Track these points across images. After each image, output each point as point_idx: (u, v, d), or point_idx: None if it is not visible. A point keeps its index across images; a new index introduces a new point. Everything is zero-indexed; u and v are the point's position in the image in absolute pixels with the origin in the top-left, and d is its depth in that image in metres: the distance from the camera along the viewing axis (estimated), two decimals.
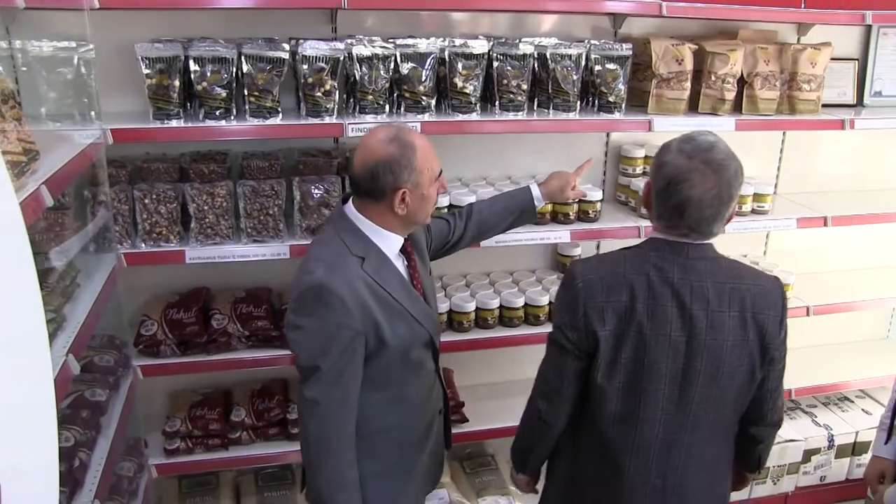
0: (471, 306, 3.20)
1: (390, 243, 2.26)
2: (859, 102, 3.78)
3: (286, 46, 2.73)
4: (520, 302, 3.25)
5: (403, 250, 2.33)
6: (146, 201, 2.74)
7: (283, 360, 3.00)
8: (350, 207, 2.26)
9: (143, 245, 2.76)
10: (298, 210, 2.87)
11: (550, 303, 3.29)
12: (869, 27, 3.72)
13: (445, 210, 3.02)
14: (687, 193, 1.98)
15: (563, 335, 2.12)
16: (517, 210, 2.78)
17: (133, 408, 2.83)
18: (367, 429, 2.25)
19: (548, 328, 3.23)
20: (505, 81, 2.94)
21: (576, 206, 3.18)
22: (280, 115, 2.75)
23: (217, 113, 2.69)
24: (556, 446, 2.33)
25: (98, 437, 2.49)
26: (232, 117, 2.72)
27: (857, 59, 3.77)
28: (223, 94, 2.68)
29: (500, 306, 3.26)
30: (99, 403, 2.57)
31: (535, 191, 2.78)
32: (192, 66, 2.65)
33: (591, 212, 3.20)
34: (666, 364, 2.06)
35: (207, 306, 3.06)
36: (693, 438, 2.14)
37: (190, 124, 2.68)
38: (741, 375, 2.10)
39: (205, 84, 2.66)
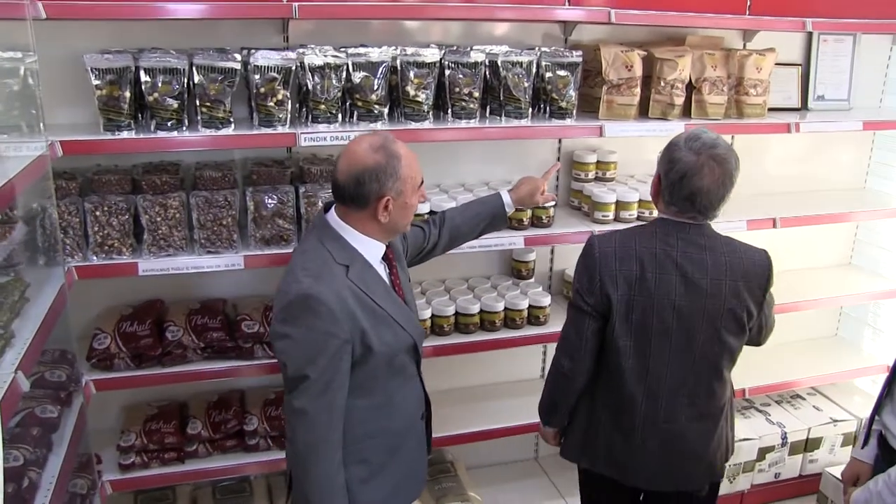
0: (426, 313, 3.22)
1: (373, 251, 2.29)
2: (804, 106, 3.90)
3: (238, 56, 2.73)
4: (475, 308, 3.29)
5: (385, 257, 2.35)
6: (97, 213, 2.72)
7: (240, 371, 2.99)
8: (332, 215, 2.28)
9: (95, 258, 2.74)
10: (252, 220, 2.87)
11: (506, 309, 3.34)
12: (810, 34, 3.83)
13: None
14: (698, 184, 2.33)
15: (582, 299, 2.46)
16: (488, 216, 2.82)
17: (86, 423, 2.80)
18: (354, 435, 2.27)
19: (503, 334, 3.32)
20: (457, 89, 2.97)
21: (529, 212, 3.23)
22: (232, 125, 2.75)
23: (169, 124, 2.68)
24: (577, 400, 2.64)
25: (49, 454, 2.45)
26: (184, 128, 2.71)
27: (800, 65, 3.88)
28: (175, 104, 2.68)
29: (456, 313, 3.29)
30: (50, 420, 2.54)
31: (506, 197, 2.83)
32: (143, 77, 2.64)
33: (544, 217, 3.25)
34: (671, 325, 2.41)
35: (162, 318, 3.03)
36: (696, 388, 2.49)
37: (142, 136, 2.67)
38: (734, 332, 2.46)
39: (156, 95, 2.65)
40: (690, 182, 2.34)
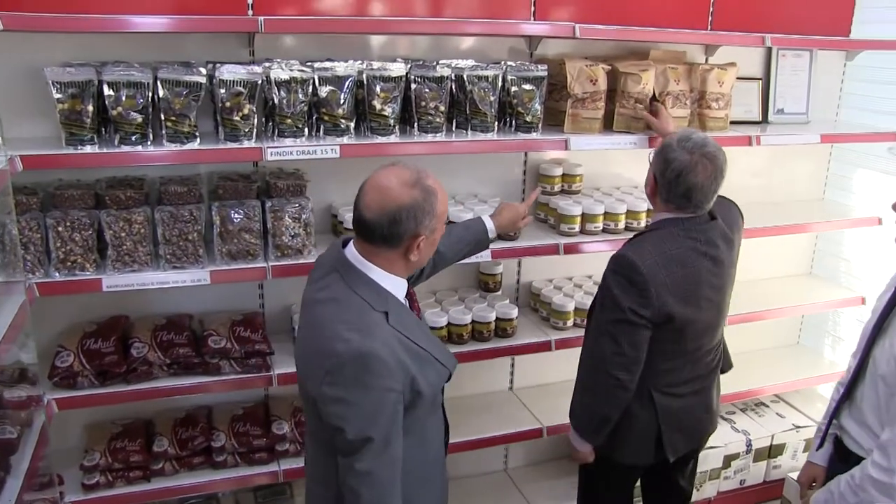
0: None
1: (399, 289, 2.17)
2: (764, 119, 3.98)
3: (203, 70, 2.72)
4: (443, 321, 3.30)
5: (407, 293, 2.25)
6: (59, 229, 2.69)
7: (207, 387, 2.97)
8: (353, 254, 2.13)
9: (58, 274, 2.71)
10: (218, 235, 2.86)
11: (473, 321, 3.36)
12: (770, 49, 3.92)
13: None
14: (693, 181, 2.55)
15: (635, 314, 2.56)
16: (472, 242, 2.81)
17: (48, 444, 2.75)
18: None
19: (471, 346, 3.33)
20: (423, 103, 2.99)
21: None
22: (198, 139, 2.74)
23: (133, 138, 2.66)
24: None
25: (7, 477, 2.39)
26: (148, 142, 2.69)
27: (760, 79, 3.96)
28: (139, 118, 2.65)
29: None
30: (9, 441, 2.48)
31: (489, 223, 2.83)
32: (107, 91, 2.62)
33: (511, 230, 3.27)
34: (713, 301, 2.70)
35: (127, 335, 3.00)
36: (717, 346, 2.88)
37: (105, 150, 2.64)
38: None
39: (120, 109, 2.63)
40: (686, 179, 2.56)
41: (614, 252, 2.69)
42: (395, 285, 2.15)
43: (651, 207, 2.86)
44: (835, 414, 2.71)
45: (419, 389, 2.09)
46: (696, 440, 2.96)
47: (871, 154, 4.11)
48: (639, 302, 2.55)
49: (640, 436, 2.80)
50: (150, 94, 2.67)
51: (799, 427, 4.22)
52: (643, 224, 3.50)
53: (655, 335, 2.62)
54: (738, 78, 3.64)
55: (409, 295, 2.27)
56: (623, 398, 2.66)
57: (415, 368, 2.07)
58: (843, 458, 2.64)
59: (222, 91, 2.73)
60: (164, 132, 2.70)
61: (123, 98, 2.63)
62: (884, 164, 4.04)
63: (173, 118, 2.69)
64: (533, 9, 3.24)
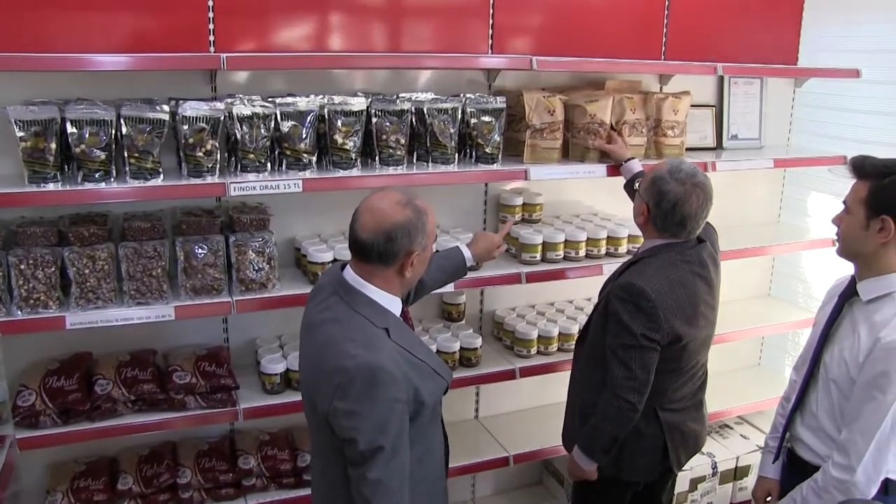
0: None
1: (396, 307, 2.32)
2: (719, 145, 4.13)
3: (166, 107, 2.77)
4: None
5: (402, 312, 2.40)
6: (22, 267, 2.71)
7: (172, 423, 2.99)
8: (353, 277, 2.27)
9: (20, 312, 2.72)
10: (182, 270, 2.90)
11: (438, 352, 3.41)
12: (722, 77, 4.08)
13: None
14: (688, 210, 2.73)
15: (647, 339, 2.69)
16: (451, 270, 2.92)
17: (8, 485, 2.74)
18: None
19: None
20: (384, 136, 3.06)
21: None
22: (161, 175, 2.78)
23: (96, 175, 2.69)
24: None
25: None
26: (112, 179, 2.72)
27: (714, 106, 4.11)
28: (102, 156, 2.69)
29: None
30: None
31: (467, 252, 2.94)
32: (70, 129, 2.65)
33: (487, 259, 3.34)
34: (706, 324, 2.88)
35: (90, 372, 3.01)
36: (706, 375, 3.07)
37: (68, 187, 2.67)
38: None
39: (83, 147, 2.66)
40: (682, 209, 2.73)
41: (622, 280, 2.78)
42: (392, 304, 2.30)
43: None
44: (787, 426, 2.81)
45: (422, 400, 2.23)
46: (695, 451, 3.10)
47: (823, 177, 4.26)
48: (648, 326, 2.68)
49: (646, 452, 2.93)
50: (113, 132, 2.70)
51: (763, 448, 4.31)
52: (603, 251, 3.60)
53: (661, 355, 2.75)
54: (692, 106, 3.77)
55: (404, 314, 2.43)
56: (633, 419, 2.77)
57: (417, 380, 2.22)
58: (797, 470, 2.74)
59: (185, 127, 2.78)
60: (127, 169, 2.74)
61: (86, 135, 2.67)
62: (835, 187, 4.18)
63: (136, 155, 2.73)
64: (490, 42, 3.35)
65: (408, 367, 2.20)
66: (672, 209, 2.74)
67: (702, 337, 2.89)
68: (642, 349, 2.71)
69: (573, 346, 3.62)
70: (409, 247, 2.22)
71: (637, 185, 3.00)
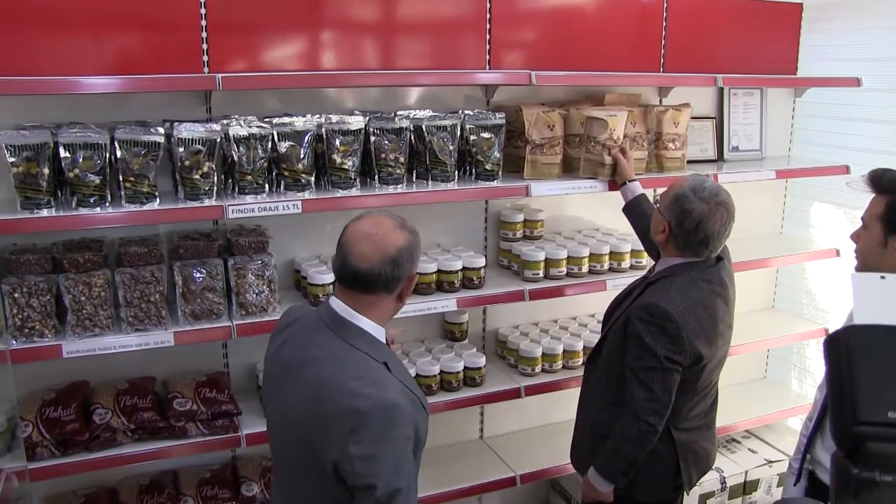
0: None
1: (383, 336, 2.21)
2: (720, 157, 4.13)
3: (161, 130, 2.76)
4: (412, 374, 3.32)
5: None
6: (16, 295, 2.69)
7: (173, 451, 2.96)
8: (344, 308, 2.15)
9: (15, 342, 2.69)
10: (181, 295, 2.88)
11: (441, 372, 3.40)
12: (721, 89, 4.08)
13: None
14: (712, 229, 2.72)
15: (670, 360, 2.68)
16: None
17: None
18: None
19: (440, 397, 3.37)
20: (383, 155, 3.06)
21: (460, 275, 3.31)
22: (157, 199, 2.76)
23: (91, 200, 2.67)
24: None
25: None
26: (107, 204, 2.70)
27: (714, 118, 4.12)
28: (97, 180, 2.67)
29: None
30: None
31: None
32: (63, 153, 2.63)
33: (475, 279, 3.34)
34: (723, 343, 2.87)
35: (88, 401, 2.98)
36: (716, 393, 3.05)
37: (62, 213, 2.65)
38: None
39: (77, 171, 2.65)
40: (705, 228, 2.72)
41: (644, 301, 2.75)
42: (381, 334, 2.20)
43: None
44: (808, 448, 2.78)
45: (420, 435, 2.14)
46: (706, 470, 3.09)
47: (825, 187, 4.27)
48: (671, 349, 2.67)
49: (659, 472, 2.92)
50: (108, 155, 2.69)
51: (771, 462, 4.29)
52: (606, 266, 3.59)
53: (681, 376, 2.75)
54: (692, 118, 3.77)
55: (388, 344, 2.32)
56: (653, 441, 2.76)
57: (416, 415, 2.12)
58: (819, 494, 2.70)
59: (181, 150, 2.76)
60: (122, 193, 2.73)
61: (80, 160, 2.65)
62: (839, 197, 4.19)
63: (132, 178, 2.72)
64: (488, 57, 3.35)
65: (408, 402, 2.10)
66: (695, 228, 2.72)
67: (719, 356, 2.89)
68: (665, 371, 2.69)
69: (578, 364, 3.65)
70: (410, 270, 2.15)
71: (634, 203, 3.02)
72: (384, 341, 2.21)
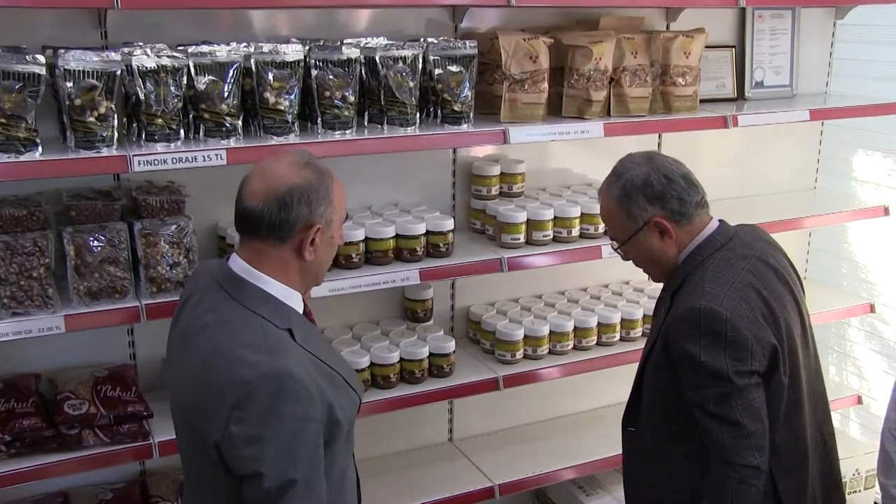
0: None
1: (297, 303, 2.28)
2: (740, 95, 4.14)
3: (41, 58, 2.66)
4: (364, 362, 3.33)
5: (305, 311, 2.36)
6: None
7: (63, 467, 2.91)
8: (242, 266, 2.23)
9: None
10: (74, 269, 2.83)
11: (402, 360, 3.39)
12: (743, 10, 4.06)
13: None
14: (679, 170, 2.65)
15: (741, 374, 2.49)
16: None
17: None
18: None
19: (401, 391, 3.36)
20: (327, 94, 3.02)
21: (423, 240, 3.30)
22: (39, 147, 2.68)
23: None
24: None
25: None
26: None
27: (734, 47, 4.11)
28: None
29: None
30: None
31: None
32: None
33: (441, 245, 3.32)
34: (797, 319, 2.70)
35: None
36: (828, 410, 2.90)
37: None
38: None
39: None
40: (673, 172, 2.64)
41: (678, 312, 2.59)
42: (292, 299, 2.27)
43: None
44: None
45: (337, 418, 2.17)
46: None
47: (871, 130, 4.29)
48: (737, 356, 2.49)
49: None
50: None
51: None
52: (601, 229, 3.57)
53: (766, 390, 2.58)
54: (707, 47, 3.75)
55: (307, 313, 2.37)
56: (761, 488, 2.54)
57: (331, 394, 2.16)
58: None
59: (69, 85, 2.68)
60: None
61: None
62: (887, 143, 4.20)
63: (3, 121, 2.62)
64: None
65: (320, 377, 2.15)
66: (668, 182, 2.60)
67: (796, 339, 2.66)
68: (741, 390, 2.48)
69: (568, 349, 3.66)
70: (309, 218, 2.19)
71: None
72: (296, 306, 2.25)
